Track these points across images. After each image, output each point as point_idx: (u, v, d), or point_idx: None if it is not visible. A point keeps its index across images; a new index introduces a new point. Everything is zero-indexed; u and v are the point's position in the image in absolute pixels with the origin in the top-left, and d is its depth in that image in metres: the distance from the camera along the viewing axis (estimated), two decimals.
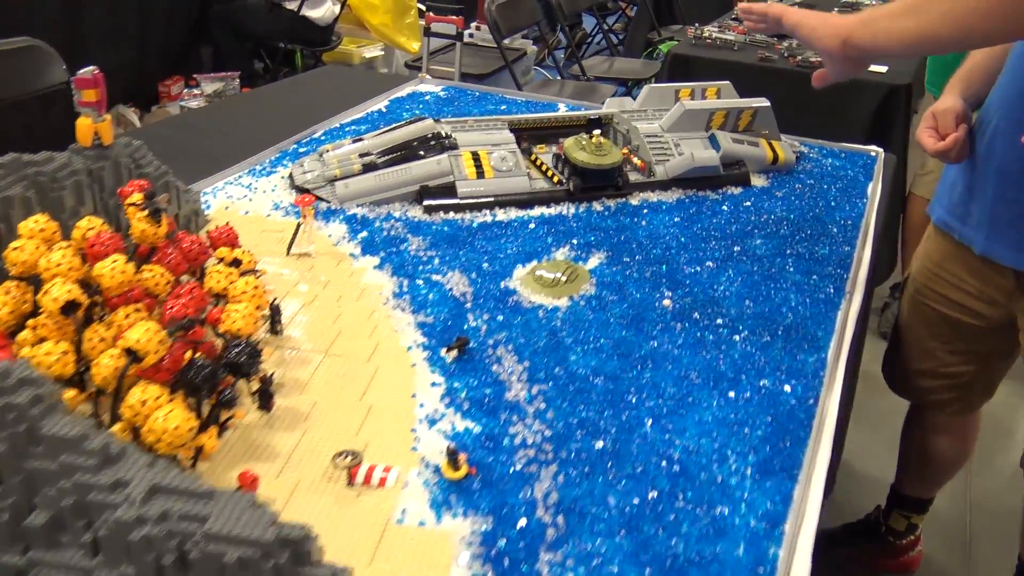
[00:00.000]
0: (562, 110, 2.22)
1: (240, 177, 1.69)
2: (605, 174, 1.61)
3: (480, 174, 1.60)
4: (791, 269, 1.41)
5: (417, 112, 2.15)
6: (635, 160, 1.75)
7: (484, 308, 1.26)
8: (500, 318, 1.24)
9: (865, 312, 1.37)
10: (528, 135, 1.86)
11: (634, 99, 1.93)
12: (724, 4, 4.56)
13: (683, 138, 1.75)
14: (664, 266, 1.40)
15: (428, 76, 2.45)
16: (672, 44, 3.31)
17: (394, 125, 1.76)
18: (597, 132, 1.62)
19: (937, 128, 1.30)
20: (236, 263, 1.21)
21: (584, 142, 1.62)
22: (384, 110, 2.16)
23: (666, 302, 1.30)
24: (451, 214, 1.57)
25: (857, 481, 2.31)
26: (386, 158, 1.63)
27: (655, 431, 1.01)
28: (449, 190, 1.58)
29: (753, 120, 1.80)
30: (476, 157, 1.62)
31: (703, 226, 1.56)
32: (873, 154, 1.96)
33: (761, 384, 1.10)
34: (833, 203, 1.69)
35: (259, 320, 1.01)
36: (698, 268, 1.40)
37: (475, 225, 1.53)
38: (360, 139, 1.73)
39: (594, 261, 1.42)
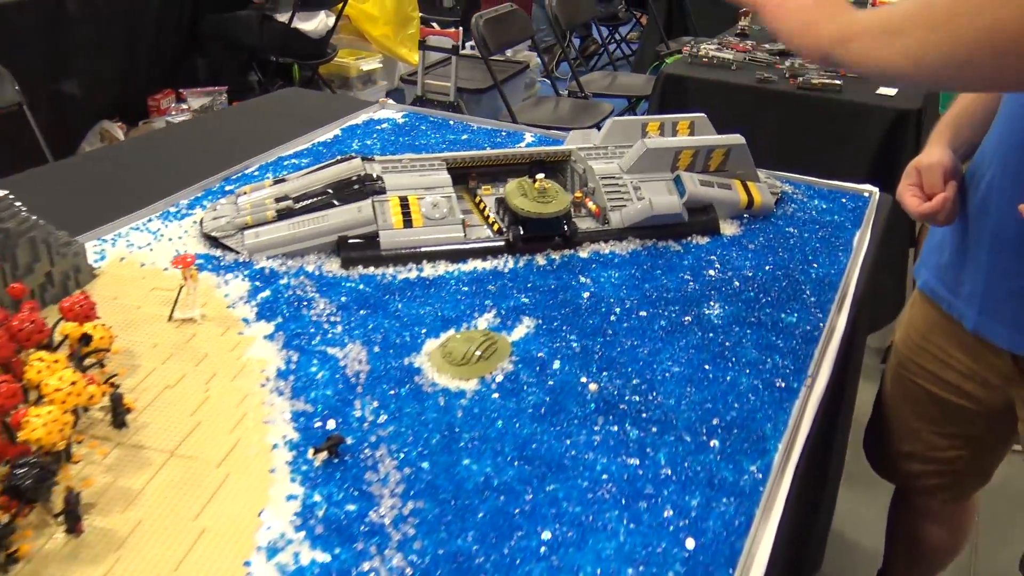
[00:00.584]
0: (527, 139, 2.04)
1: (149, 221, 1.52)
2: (549, 223, 1.43)
3: (408, 223, 1.42)
4: (747, 343, 1.22)
5: (367, 143, 1.98)
6: (590, 204, 1.56)
7: (377, 393, 1.08)
8: (392, 407, 1.06)
9: (840, 390, 1.17)
10: (477, 172, 1.68)
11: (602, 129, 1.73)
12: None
13: (645, 180, 1.55)
14: (600, 338, 1.21)
15: (390, 101, 2.28)
16: (678, 58, 3.11)
17: (319, 165, 1.59)
18: (541, 176, 1.43)
19: (922, 186, 1.10)
20: (86, 340, 1.04)
21: (526, 187, 1.44)
22: (332, 140, 1.99)
23: (592, 386, 1.11)
24: (371, 269, 1.39)
25: (849, 553, 2.09)
26: (303, 204, 1.46)
27: (542, 570, 0.82)
28: (371, 241, 1.40)
29: (726, 159, 1.60)
30: (405, 203, 1.44)
31: (656, 286, 1.37)
32: (866, 195, 1.75)
33: (686, 503, 0.91)
34: (811, 257, 1.48)
35: (66, 428, 0.84)
36: (638, 342, 1.21)
37: (397, 282, 1.35)
38: (282, 179, 1.56)
39: (521, 330, 1.24)
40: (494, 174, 1.71)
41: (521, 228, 1.44)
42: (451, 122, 2.15)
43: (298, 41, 4.28)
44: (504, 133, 2.07)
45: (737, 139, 1.61)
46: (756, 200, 1.60)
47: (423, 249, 1.43)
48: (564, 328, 1.24)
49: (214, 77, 4.49)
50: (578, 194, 1.58)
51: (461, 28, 4.22)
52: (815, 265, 1.47)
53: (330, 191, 1.47)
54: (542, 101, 3.73)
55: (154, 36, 4.18)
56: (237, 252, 1.43)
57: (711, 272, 1.42)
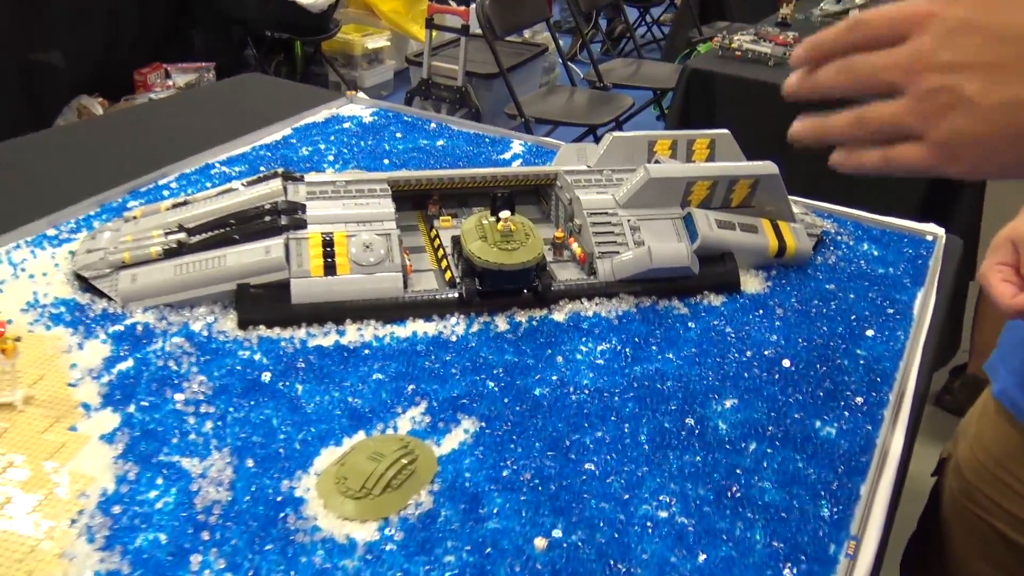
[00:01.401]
0: (515, 149, 1.69)
1: (16, 248, 1.20)
2: (514, 276, 1.08)
3: (330, 269, 1.08)
4: (767, 472, 0.87)
5: (321, 147, 1.64)
6: (575, 247, 1.21)
7: (229, 543, 0.75)
8: (245, 567, 0.73)
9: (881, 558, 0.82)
10: (440, 195, 1.34)
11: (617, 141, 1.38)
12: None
13: (646, 218, 1.20)
14: (562, 458, 0.87)
15: (362, 94, 1.94)
16: (708, 49, 2.73)
17: (227, 186, 1.26)
18: (505, 215, 1.08)
19: (1019, 267, 0.74)
20: None
21: (487, 227, 1.09)
22: (279, 142, 1.65)
23: (539, 542, 0.76)
24: (277, 331, 1.06)
25: None
26: (199, 238, 1.12)
27: None
28: (280, 293, 1.07)
29: (753, 192, 1.24)
30: (329, 242, 1.11)
31: (649, 370, 1.02)
32: (930, 238, 1.38)
33: None
34: (859, 328, 1.13)
35: None
36: (614, 464, 0.87)
37: (306, 351, 1.02)
38: (184, 202, 1.23)
39: (455, 437, 0.90)
40: (461, 196, 1.36)
41: (478, 281, 1.10)
42: (428, 123, 1.80)
43: (297, 15, 3.94)
44: (488, 140, 1.72)
45: (768, 168, 1.25)
46: (789, 246, 1.24)
47: (347, 305, 1.09)
48: (514, 438, 0.90)
49: (209, 52, 4.16)
50: (559, 233, 1.23)
51: (472, 6, 3.85)
52: (864, 340, 1.11)
53: (233, 223, 1.13)
54: (555, 92, 3.37)
55: (139, 6, 3.86)
56: (111, 299, 1.10)
57: (724, 350, 1.07)
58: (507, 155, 1.66)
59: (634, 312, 1.14)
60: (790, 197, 1.47)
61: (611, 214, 1.22)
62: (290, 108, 1.83)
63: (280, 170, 1.27)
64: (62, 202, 1.35)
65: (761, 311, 1.17)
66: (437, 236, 1.27)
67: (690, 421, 0.95)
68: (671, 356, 1.06)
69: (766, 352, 1.08)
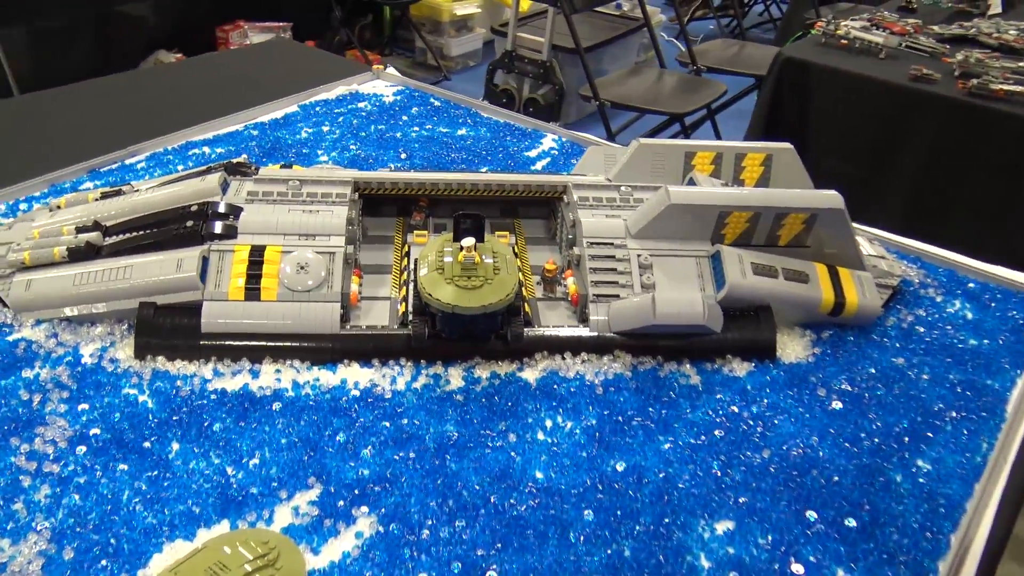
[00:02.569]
0: (546, 145, 1.44)
1: None
2: (477, 321, 0.85)
3: (252, 293, 0.88)
4: None
5: (323, 129, 1.44)
6: (569, 283, 0.97)
7: None
8: None
9: None
10: (429, 200, 1.13)
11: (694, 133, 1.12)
12: None
13: (662, 254, 0.95)
14: None
15: (392, 69, 1.72)
16: (812, 35, 2.38)
17: (168, 177, 1.07)
18: (469, 243, 0.85)
19: None
20: None
21: (449, 255, 0.86)
22: (278, 120, 1.46)
23: None
24: (178, 364, 0.87)
25: None
26: (112, 241, 0.94)
27: None
28: (188, 317, 0.87)
29: (808, 229, 0.97)
30: (257, 258, 0.90)
31: (624, 467, 0.77)
32: None
33: None
34: (928, 424, 0.84)
35: None
36: None
37: (207, 394, 0.82)
38: (117, 191, 1.05)
39: (341, 543, 0.69)
40: (455, 204, 1.13)
41: (430, 322, 0.88)
42: (456, 108, 1.57)
43: None
44: (518, 131, 1.48)
45: (830, 200, 0.97)
46: (849, 303, 0.97)
47: (267, 340, 0.88)
48: (418, 555, 0.68)
49: (294, 12, 4.04)
50: (549, 265, 0.99)
51: None
52: (931, 448, 0.83)
53: (152, 227, 0.94)
54: (639, 73, 3.07)
55: None
56: (5, 306, 0.93)
57: (735, 445, 0.81)
58: (534, 152, 1.41)
59: (628, 377, 0.89)
60: (869, 229, 1.18)
61: (618, 245, 0.97)
62: (312, 79, 1.64)
63: (232, 161, 1.07)
64: (8, 177, 1.19)
65: (796, 390, 0.89)
66: (407, 255, 1.05)
67: (661, 555, 0.70)
68: (662, 446, 0.81)
69: (792, 452, 0.81)
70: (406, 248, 1.06)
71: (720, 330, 0.92)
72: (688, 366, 0.92)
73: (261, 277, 0.91)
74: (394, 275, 1.02)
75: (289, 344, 0.89)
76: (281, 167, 1.12)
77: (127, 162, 1.28)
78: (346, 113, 1.50)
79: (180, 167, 1.27)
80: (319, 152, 1.35)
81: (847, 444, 0.83)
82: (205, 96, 1.53)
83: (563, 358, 0.92)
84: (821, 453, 0.81)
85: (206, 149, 1.33)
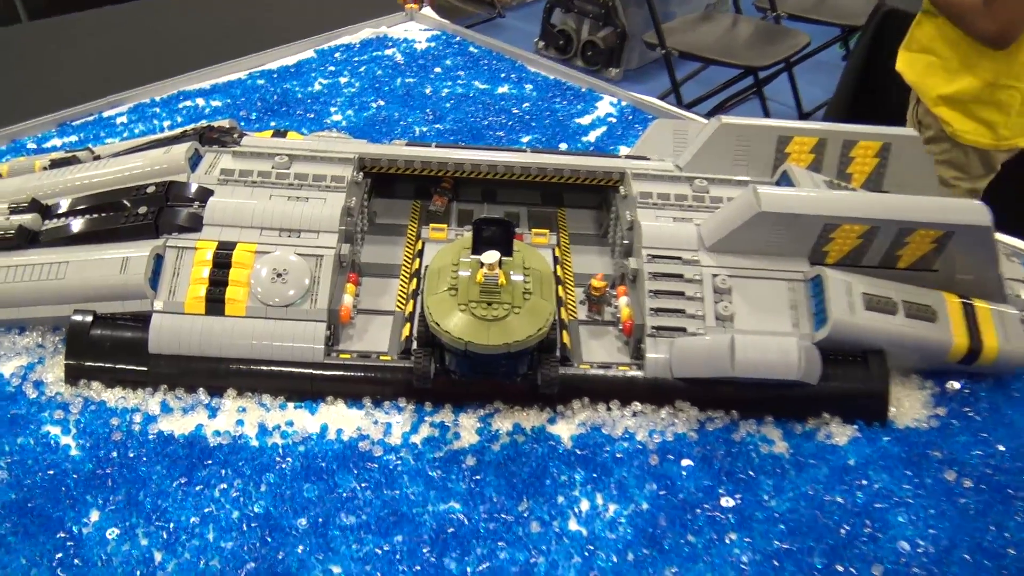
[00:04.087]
0: (603, 110, 1.21)
1: None
2: (496, 361, 0.64)
3: (215, 305, 0.68)
4: None
5: (340, 80, 1.22)
6: (621, 304, 0.75)
7: None
8: None
9: None
10: (452, 181, 0.92)
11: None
12: None
13: (745, 274, 0.73)
14: None
15: (428, 9, 1.49)
16: None
17: (135, 142, 0.87)
18: (493, 257, 0.63)
19: None
20: None
21: (466, 268, 0.65)
22: (288, 69, 1.24)
23: None
24: (119, 392, 0.68)
25: None
26: (51, 226, 0.75)
27: None
28: (136, 332, 0.68)
29: (940, 250, 0.73)
30: (223, 260, 0.70)
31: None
32: None
33: None
34: None
35: None
36: None
37: (147, 439, 0.63)
38: (71, 158, 0.86)
39: None
40: (482, 186, 0.92)
41: (438, 357, 0.67)
42: (499, 59, 1.34)
43: None
44: (570, 91, 1.24)
45: (973, 212, 0.73)
46: (988, 348, 0.74)
47: (232, 367, 0.69)
48: None
49: None
50: (597, 283, 0.77)
51: None
52: None
53: (103, 211, 0.75)
54: (711, 19, 2.75)
55: None
56: None
57: (830, 549, 0.60)
58: (587, 118, 1.18)
59: (692, 440, 0.68)
60: (1003, 238, 0.93)
61: (687, 260, 0.75)
62: (331, 19, 1.41)
63: (210, 126, 0.86)
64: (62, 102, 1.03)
65: (915, 469, 0.67)
66: (420, 255, 0.84)
67: None
68: (733, 551, 0.60)
69: (913, 569, 0.59)
70: (420, 244, 0.85)
71: (816, 382, 0.70)
72: (772, 426, 0.70)
73: (227, 285, 0.71)
74: (402, 280, 0.81)
75: (258, 373, 0.70)
76: (273, 135, 0.91)
77: (105, 115, 1.08)
78: (369, 62, 1.28)
79: (167, 124, 1.07)
80: (332, 109, 1.14)
81: (986, 560, 0.60)
82: (205, 36, 1.32)
83: (608, 408, 0.71)
84: (933, 567, 0.59)
85: (200, 101, 1.13)
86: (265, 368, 0.70)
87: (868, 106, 1.97)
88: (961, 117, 1.38)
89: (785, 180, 0.84)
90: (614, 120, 1.18)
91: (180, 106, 1.13)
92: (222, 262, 0.72)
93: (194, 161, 0.80)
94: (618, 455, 0.68)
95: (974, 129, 1.38)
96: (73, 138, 1.02)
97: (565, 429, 0.70)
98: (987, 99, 1.35)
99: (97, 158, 0.86)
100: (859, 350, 0.74)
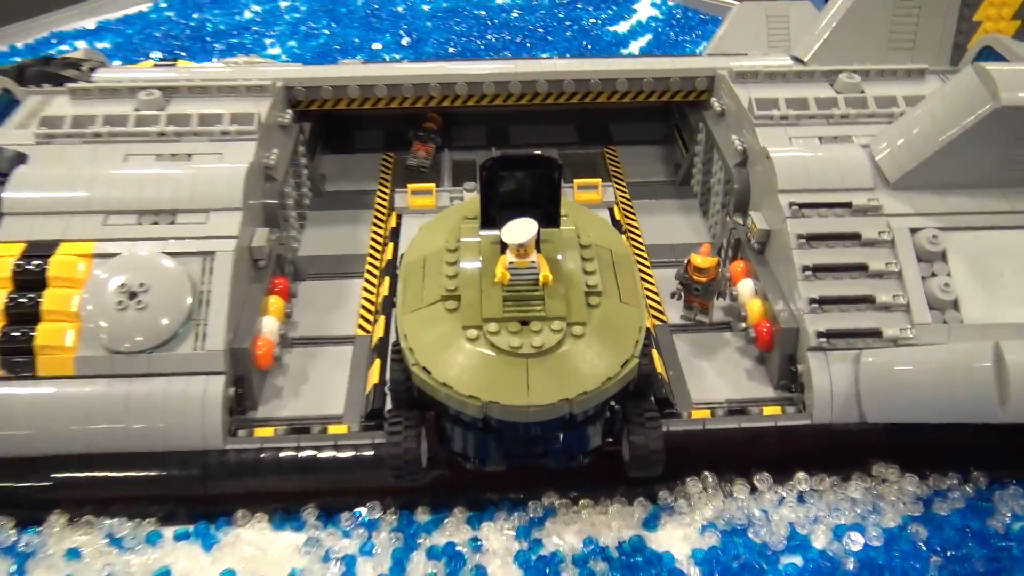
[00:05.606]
0: (642, 11, 0.87)
1: None
2: (547, 435, 0.30)
3: (20, 363, 0.35)
4: None
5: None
6: (744, 298, 0.41)
7: None
8: None
9: None
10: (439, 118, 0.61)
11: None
12: None
13: (967, 224, 0.37)
14: None
15: None
16: None
17: None
18: (526, 232, 0.28)
19: None
20: None
21: (471, 257, 0.30)
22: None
23: None
24: None
25: None
26: None
27: None
28: None
29: None
30: (31, 276, 0.36)
31: None
32: None
33: None
34: None
35: None
36: None
37: None
38: None
39: None
40: (493, 120, 0.61)
41: (437, 434, 0.33)
42: None
43: None
44: None
45: None
46: None
47: (57, 471, 0.36)
48: None
49: None
50: (702, 259, 0.44)
51: None
52: None
53: None
54: None
55: None
56: None
57: None
58: (624, 25, 0.84)
59: (917, 534, 0.35)
60: None
61: (863, 208, 0.42)
62: None
63: (45, 59, 0.54)
64: None
65: None
66: (395, 235, 0.52)
67: None
68: None
69: None
70: (394, 219, 0.53)
71: None
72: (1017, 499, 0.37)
73: (39, 315, 0.38)
74: (368, 281, 0.49)
75: (104, 483, 0.38)
76: (156, 65, 0.59)
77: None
78: None
79: None
80: (267, 42, 0.81)
81: None
82: None
83: (752, 489, 0.38)
84: None
85: (80, 45, 0.79)
86: (117, 473, 0.38)
87: None
88: None
89: (989, 58, 0.51)
90: (660, 27, 0.83)
91: (53, 52, 0.79)
92: (30, 279, 0.40)
93: (2, 108, 0.47)
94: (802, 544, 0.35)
95: None
96: None
97: (680, 538, 0.38)
98: None
99: None
100: None
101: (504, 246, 0.36)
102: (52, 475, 0.40)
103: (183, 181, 0.45)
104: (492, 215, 0.38)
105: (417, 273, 0.39)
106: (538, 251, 0.37)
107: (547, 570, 0.39)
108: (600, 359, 0.36)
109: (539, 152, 0.39)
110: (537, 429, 0.36)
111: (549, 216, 0.37)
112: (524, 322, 0.36)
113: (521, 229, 0.36)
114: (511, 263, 0.36)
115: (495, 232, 0.37)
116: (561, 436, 0.38)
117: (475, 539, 0.40)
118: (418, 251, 0.41)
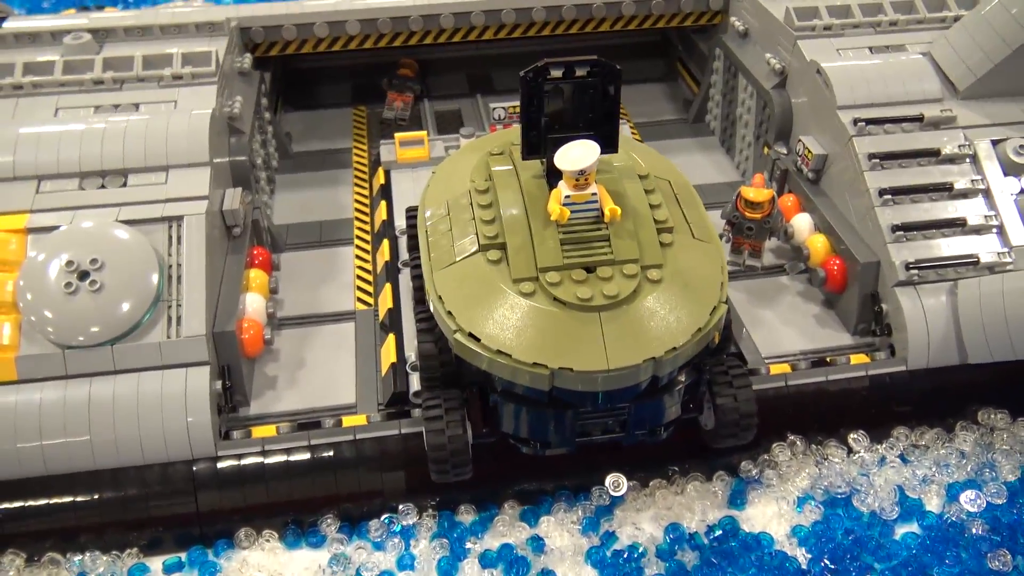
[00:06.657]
0: None
1: None
2: (618, 405, 0.23)
3: None
4: None
5: None
6: (804, 235, 0.34)
7: None
8: None
9: None
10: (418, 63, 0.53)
11: None
12: None
13: None
14: None
15: None
16: None
17: None
18: (586, 157, 0.21)
19: None
20: None
21: (508, 192, 0.23)
22: None
23: None
24: None
25: None
26: None
27: None
28: None
29: None
30: None
31: None
32: None
33: None
34: None
35: None
36: None
37: None
38: None
39: None
40: (471, 67, 0.53)
41: (481, 413, 0.26)
42: None
43: None
44: None
45: None
46: None
47: (7, 500, 0.28)
48: None
49: None
50: (756, 191, 0.37)
51: None
52: None
53: None
54: None
55: None
56: None
57: None
58: None
59: None
60: None
61: (935, 121, 0.36)
62: None
63: None
64: None
65: None
66: (385, 193, 0.45)
67: None
68: None
69: None
70: (381, 176, 0.45)
71: None
72: None
73: None
74: (359, 246, 0.42)
75: (68, 507, 0.30)
76: (77, 12, 0.50)
77: None
78: None
79: None
80: None
81: None
82: None
83: (849, 451, 0.32)
84: None
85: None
86: (83, 497, 0.31)
87: None
88: None
89: None
90: None
91: None
92: None
93: None
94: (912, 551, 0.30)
95: None
96: None
97: (774, 515, 0.32)
98: None
99: None
100: None
101: (555, 177, 0.30)
102: (0, 506, 0.32)
103: (133, 134, 0.37)
104: (534, 140, 0.31)
105: (442, 224, 0.32)
106: (594, 175, 0.30)
107: (628, 567, 0.33)
108: (685, 308, 0.29)
109: (593, 56, 0.32)
110: (616, 398, 0.30)
111: (605, 138, 0.31)
112: (589, 269, 0.30)
113: (580, 152, 0.29)
114: (567, 196, 0.30)
115: (537, 158, 0.30)
116: (634, 404, 0.32)
117: (535, 538, 0.33)
118: (437, 199, 0.34)
